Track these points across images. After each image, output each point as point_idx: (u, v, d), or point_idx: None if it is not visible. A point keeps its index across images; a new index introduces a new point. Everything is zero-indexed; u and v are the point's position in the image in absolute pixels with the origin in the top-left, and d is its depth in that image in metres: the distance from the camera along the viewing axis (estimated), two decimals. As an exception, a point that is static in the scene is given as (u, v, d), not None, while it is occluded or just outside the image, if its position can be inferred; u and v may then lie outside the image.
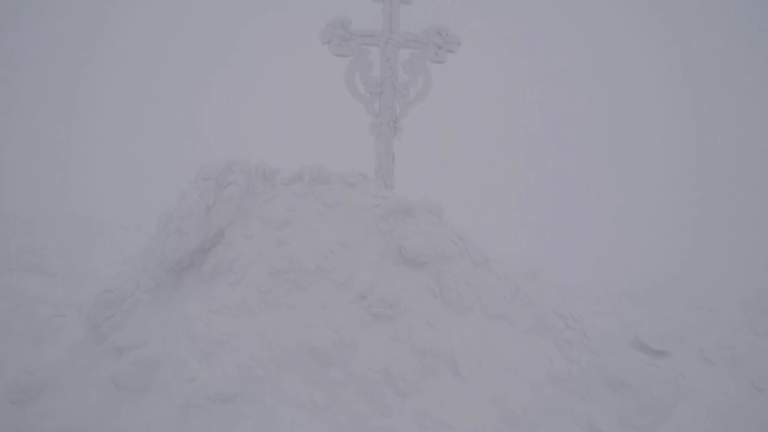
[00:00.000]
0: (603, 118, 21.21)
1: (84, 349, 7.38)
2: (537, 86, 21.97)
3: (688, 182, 17.88)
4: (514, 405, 6.76)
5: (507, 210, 15.71)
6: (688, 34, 23.45)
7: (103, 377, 6.66)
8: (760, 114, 20.53)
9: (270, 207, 7.62)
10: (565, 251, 13.33)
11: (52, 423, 6.31)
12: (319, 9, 23.96)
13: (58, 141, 22.23)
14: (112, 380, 6.54)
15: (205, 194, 7.41)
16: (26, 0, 25.44)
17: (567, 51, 23.25)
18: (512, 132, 20.04)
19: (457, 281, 7.31)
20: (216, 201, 7.48)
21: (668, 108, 21.40)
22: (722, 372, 7.99)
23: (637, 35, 23.63)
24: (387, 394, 6.51)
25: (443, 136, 18.32)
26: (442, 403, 6.60)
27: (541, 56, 23.11)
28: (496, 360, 7.04)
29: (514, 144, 19.61)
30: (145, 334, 6.94)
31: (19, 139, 21.57)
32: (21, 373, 6.80)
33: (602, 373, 7.33)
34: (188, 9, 26.06)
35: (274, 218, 7.48)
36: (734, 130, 20.38)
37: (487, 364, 6.94)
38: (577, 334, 7.69)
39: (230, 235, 7.44)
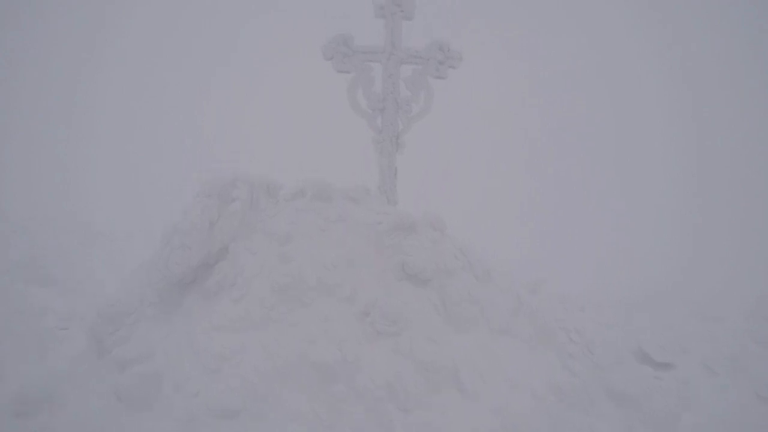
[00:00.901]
0: (603, 122, 21.21)
1: (87, 361, 7.39)
2: (537, 90, 21.96)
3: (689, 188, 17.88)
4: (517, 418, 6.77)
5: (508, 217, 15.71)
6: (688, 36, 23.44)
7: (106, 390, 6.68)
8: (761, 118, 20.54)
9: (273, 223, 7.66)
10: (567, 258, 13.32)
11: (54, 434, 6.34)
12: (319, 10, 24.05)
13: (58, 141, 22.19)
14: (115, 394, 6.56)
15: (208, 209, 7.46)
16: (26, 0, 25.40)
17: (567, 54, 23.24)
18: (512, 136, 20.04)
19: (460, 296, 7.34)
20: (219, 216, 7.53)
21: (668, 112, 21.41)
22: (726, 382, 7.97)
23: (637, 37, 23.62)
24: (390, 409, 6.53)
25: (443, 141, 18.34)
26: (444, 417, 6.62)
27: (541, 59, 23.10)
28: (499, 374, 7.06)
29: (514, 149, 19.61)
30: (149, 348, 6.97)
31: (19, 139, 21.53)
32: (25, 385, 6.81)
33: (605, 386, 7.35)
34: (188, 9, 26.02)
35: (277, 234, 7.52)
36: (735, 134, 20.38)
37: (490, 378, 6.96)
38: (579, 347, 7.72)
39: (234, 251, 7.48)
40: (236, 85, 23.91)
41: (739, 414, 7.54)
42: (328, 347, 6.72)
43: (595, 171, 18.98)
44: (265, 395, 6.46)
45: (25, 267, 10.64)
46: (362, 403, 6.53)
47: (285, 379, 6.60)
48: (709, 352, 8.42)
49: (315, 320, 6.98)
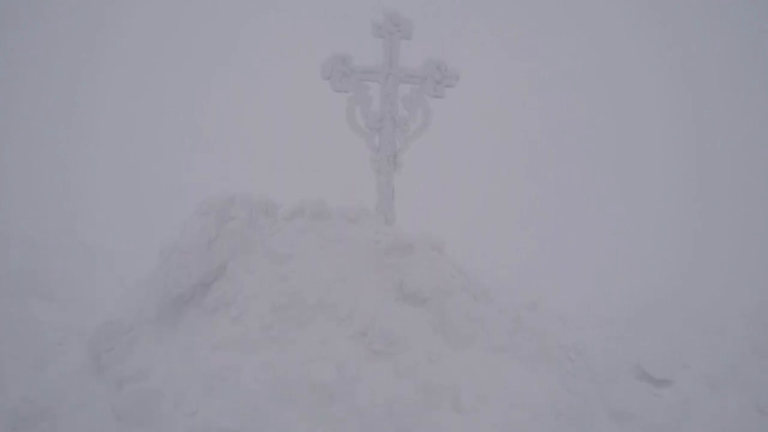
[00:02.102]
0: (603, 123, 21.19)
1: (85, 377, 7.39)
2: (537, 90, 21.93)
3: (689, 193, 17.85)
4: (517, 434, 6.79)
5: (508, 222, 15.71)
6: (688, 36, 23.42)
7: (104, 408, 6.69)
8: (761, 119, 20.49)
9: (272, 242, 7.68)
10: (567, 264, 13.32)
11: (49, 451, 6.37)
12: (319, 10, 24.03)
13: (58, 141, 22.19)
14: (113, 411, 6.57)
15: (206, 228, 7.48)
16: (26, 0, 25.38)
17: (567, 54, 23.23)
18: (512, 139, 20.01)
19: (458, 315, 7.35)
20: (218, 235, 7.54)
21: (668, 113, 21.39)
22: (727, 396, 7.89)
23: (637, 37, 23.61)
24: (389, 430, 6.53)
25: (442, 144, 18.31)
26: (444, 437, 6.63)
27: (541, 59, 23.08)
28: (497, 392, 7.05)
29: (514, 152, 19.59)
30: (147, 366, 6.98)
31: (19, 139, 21.54)
32: (22, 399, 6.82)
33: (606, 405, 7.33)
34: (188, 9, 26.02)
35: (275, 253, 7.54)
36: (735, 136, 20.34)
37: (489, 397, 6.96)
38: (579, 366, 7.70)
39: (232, 269, 7.50)
40: (236, 85, 23.89)
41: (739, 428, 7.51)
42: (327, 367, 6.73)
43: (595, 175, 18.96)
44: (264, 414, 6.46)
45: (24, 278, 10.64)
46: (361, 423, 6.52)
47: (284, 398, 6.60)
48: (709, 365, 8.34)
49: (314, 340, 7.00)
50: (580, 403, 7.27)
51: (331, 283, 7.30)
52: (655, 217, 16.84)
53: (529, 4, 24.38)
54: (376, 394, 6.68)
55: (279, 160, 19.73)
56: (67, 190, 18.54)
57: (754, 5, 22.93)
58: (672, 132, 20.72)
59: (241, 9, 25.94)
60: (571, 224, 16.01)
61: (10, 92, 22.90)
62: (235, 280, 7.40)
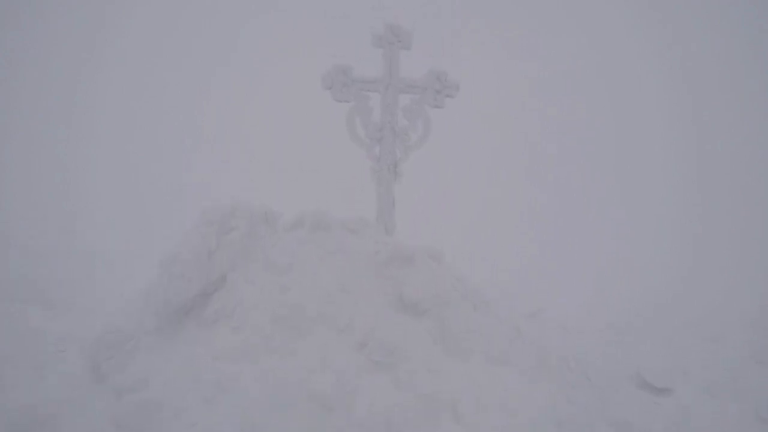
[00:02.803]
0: (603, 124, 21.18)
1: (84, 387, 7.38)
2: (537, 91, 21.92)
3: (689, 197, 17.84)
4: (517, 446, 6.80)
5: (508, 226, 15.71)
6: (688, 36, 23.41)
7: (103, 418, 6.68)
8: (761, 120, 20.48)
9: (272, 252, 7.69)
10: (567, 268, 13.33)
11: (49, 462, 6.37)
12: (319, 10, 24.01)
13: (58, 141, 22.17)
14: (113, 421, 6.57)
15: (207, 239, 7.49)
16: (26, 0, 25.36)
17: (567, 54, 23.20)
18: (512, 140, 20.02)
19: (458, 326, 7.36)
20: (218, 246, 7.55)
21: (668, 114, 21.37)
22: (726, 404, 7.90)
23: (637, 37, 23.59)
24: (388, 441, 6.55)
25: (442, 147, 18.32)
26: (443, 448, 6.64)
27: (541, 59, 23.07)
28: (497, 403, 7.05)
29: (514, 154, 19.59)
30: (146, 377, 6.97)
31: (19, 140, 21.51)
32: (23, 406, 6.82)
33: (605, 414, 7.33)
34: (188, 9, 25.99)
35: (276, 264, 7.55)
36: (735, 138, 20.33)
37: (489, 408, 6.96)
38: (579, 376, 7.72)
39: (233, 280, 7.51)
40: (236, 85, 23.87)
41: (739, 436, 7.52)
42: (327, 377, 6.74)
43: (595, 177, 18.96)
44: (264, 424, 6.46)
45: (24, 283, 10.65)
46: (361, 434, 6.55)
47: (283, 409, 6.60)
48: (709, 373, 8.36)
49: (314, 350, 7.00)
50: (580, 413, 7.27)
51: (331, 294, 7.31)
52: (655, 220, 16.84)
53: (529, 4, 24.36)
54: (375, 404, 6.68)
55: (279, 160, 19.73)
56: (66, 191, 18.49)
57: (754, 5, 22.93)
58: (672, 133, 20.71)
59: (241, 9, 25.92)
60: (571, 228, 16.01)
61: (10, 92, 22.86)
62: (236, 291, 7.42)
